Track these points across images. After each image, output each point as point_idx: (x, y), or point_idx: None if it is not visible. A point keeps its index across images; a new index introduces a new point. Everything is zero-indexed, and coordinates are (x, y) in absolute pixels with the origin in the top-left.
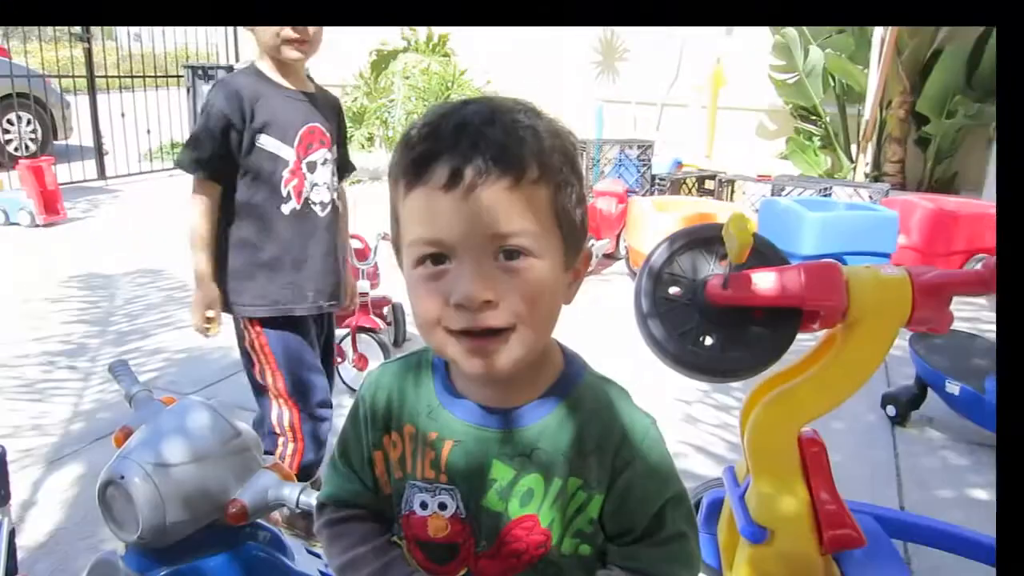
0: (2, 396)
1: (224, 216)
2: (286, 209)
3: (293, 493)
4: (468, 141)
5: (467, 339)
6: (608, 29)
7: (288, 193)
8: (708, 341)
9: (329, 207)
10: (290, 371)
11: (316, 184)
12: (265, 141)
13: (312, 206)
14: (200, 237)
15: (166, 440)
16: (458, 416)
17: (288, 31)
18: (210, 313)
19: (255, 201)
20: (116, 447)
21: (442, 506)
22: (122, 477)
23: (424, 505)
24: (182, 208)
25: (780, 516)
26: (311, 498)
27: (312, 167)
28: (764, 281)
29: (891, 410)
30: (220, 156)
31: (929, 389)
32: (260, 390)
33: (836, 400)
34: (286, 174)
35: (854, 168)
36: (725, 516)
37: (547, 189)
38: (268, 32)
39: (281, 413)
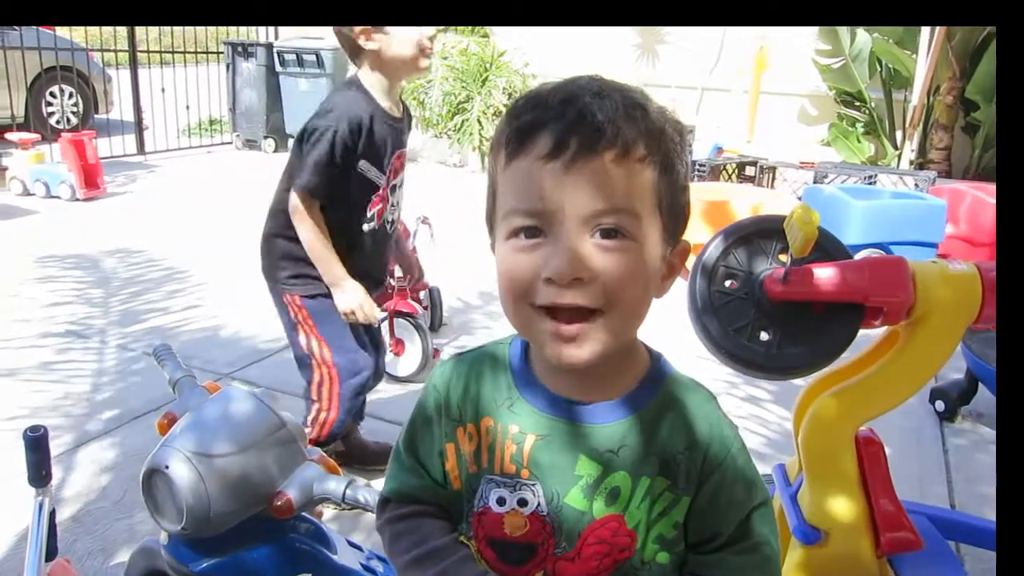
0: (22, 377)
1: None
2: (366, 228)
3: (339, 487)
4: (575, 111)
5: (552, 321)
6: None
7: (372, 215)
8: (764, 337)
9: (397, 223)
10: (336, 343)
11: (393, 205)
12: (364, 167)
13: (387, 225)
14: (324, 250)
15: (211, 429)
16: (542, 410)
17: (425, 40)
18: (368, 308)
19: (339, 218)
20: (160, 434)
21: (522, 502)
22: (167, 467)
23: (502, 501)
24: (219, 183)
25: (835, 517)
26: (357, 493)
27: (394, 190)
28: (827, 276)
29: (940, 405)
30: (332, 180)
31: (979, 384)
32: (303, 358)
33: (897, 399)
34: (374, 198)
35: (899, 155)
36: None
37: (653, 170)
38: (408, 44)
39: (322, 380)
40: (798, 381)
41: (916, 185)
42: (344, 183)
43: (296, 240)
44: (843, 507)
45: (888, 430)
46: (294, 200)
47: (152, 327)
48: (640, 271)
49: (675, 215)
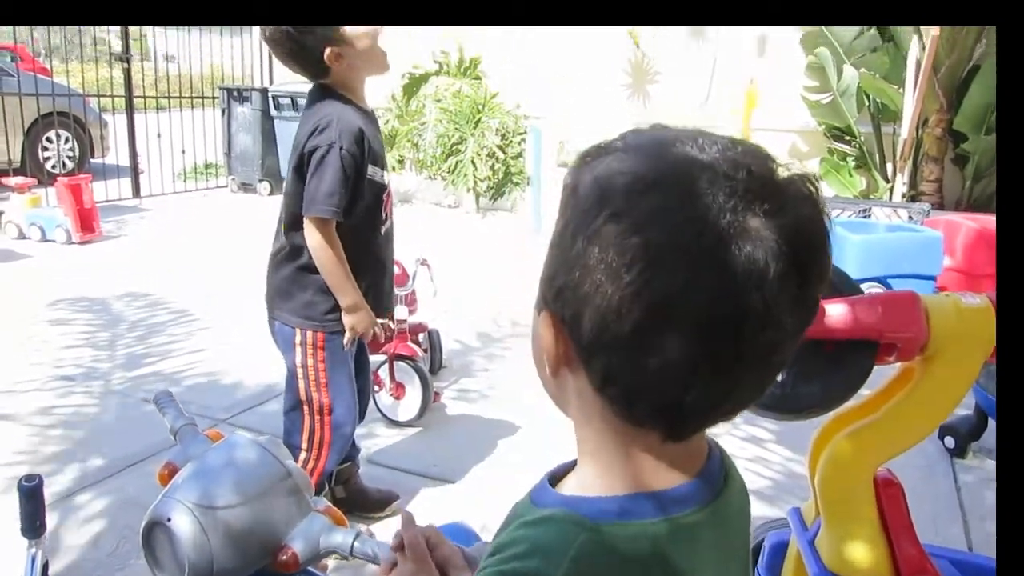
0: (20, 422)
1: None
2: (382, 229)
3: (347, 540)
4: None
5: None
6: (639, 52)
7: (385, 215)
8: (777, 377)
9: None
10: (337, 390)
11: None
12: (373, 171)
13: (392, 220)
14: (344, 275)
15: (214, 480)
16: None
17: (378, 31)
18: (378, 328)
19: (358, 225)
20: (160, 484)
21: None
22: (168, 519)
23: None
24: (215, 226)
25: (857, 563)
26: (365, 546)
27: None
28: (838, 312)
29: (950, 441)
30: (346, 195)
31: (989, 418)
32: (297, 407)
33: (915, 438)
34: (384, 198)
35: (891, 188)
36: (791, 561)
37: None
38: (367, 40)
39: (313, 428)
40: (802, 421)
41: (910, 217)
42: (357, 194)
43: (315, 275)
44: (864, 552)
45: (898, 468)
46: (310, 227)
47: (153, 371)
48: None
49: None
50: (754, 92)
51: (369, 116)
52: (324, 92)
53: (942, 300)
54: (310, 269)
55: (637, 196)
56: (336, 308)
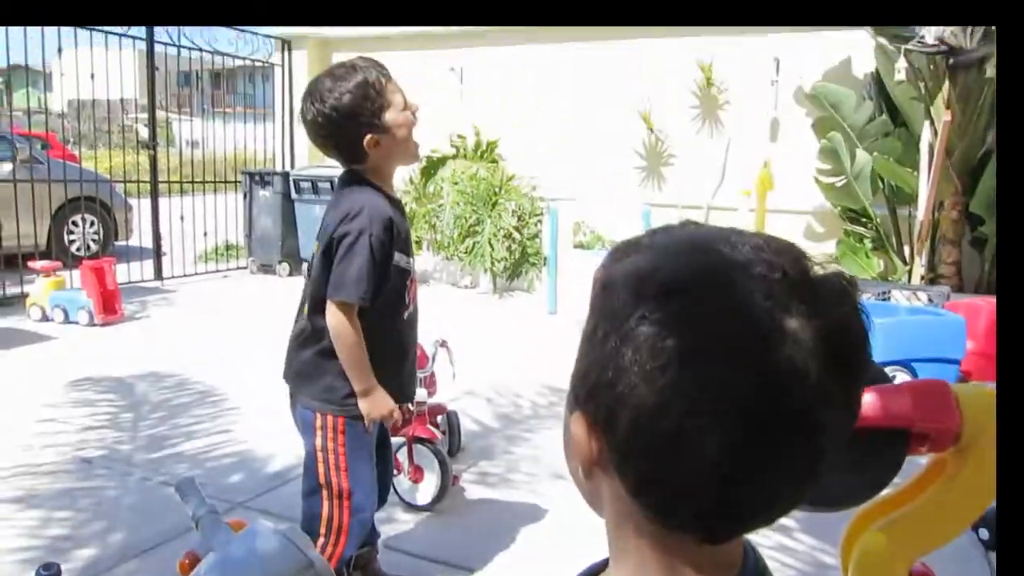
0: (39, 506)
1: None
2: (405, 315)
3: None
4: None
5: None
6: (653, 134)
7: (408, 300)
8: (820, 481)
9: None
10: (357, 475)
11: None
12: (399, 258)
13: (416, 306)
14: (363, 359)
15: (237, 571)
16: None
17: (412, 116)
18: (396, 412)
19: (382, 311)
20: (181, 574)
21: None
22: None
23: None
24: (235, 307)
25: None
26: None
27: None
28: (867, 401)
29: (983, 533)
30: (375, 282)
31: None
32: (316, 491)
33: (951, 533)
34: (409, 283)
35: (909, 270)
36: None
37: None
38: (402, 131)
39: (332, 514)
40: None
41: (930, 300)
42: (383, 280)
43: (337, 358)
44: None
45: (931, 561)
46: (333, 309)
47: (174, 453)
48: None
49: None
50: (768, 174)
51: (397, 204)
52: (355, 178)
53: (974, 389)
54: (332, 353)
55: (671, 297)
56: (348, 395)
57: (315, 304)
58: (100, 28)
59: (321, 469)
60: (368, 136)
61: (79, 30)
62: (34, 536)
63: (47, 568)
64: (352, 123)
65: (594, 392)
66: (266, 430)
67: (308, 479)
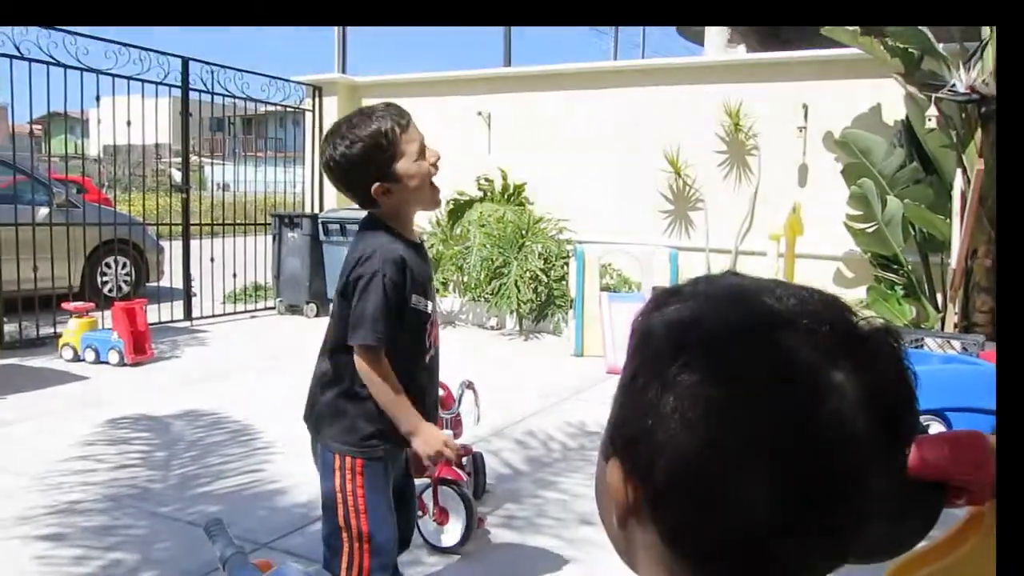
0: (73, 544)
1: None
2: (426, 358)
3: None
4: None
5: None
6: (680, 178)
7: (429, 343)
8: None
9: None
10: (376, 517)
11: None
12: (416, 300)
13: (437, 348)
14: (399, 399)
15: None
16: None
17: (431, 168)
18: (450, 442)
19: (400, 354)
20: None
21: None
22: None
23: None
24: (264, 347)
25: None
26: None
27: (435, 312)
28: None
29: None
30: (391, 324)
31: None
32: (336, 533)
33: None
34: (428, 326)
35: (942, 318)
36: None
37: None
38: (419, 180)
39: (352, 556)
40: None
41: (964, 348)
42: (400, 323)
43: (357, 400)
44: None
45: None
46: (358, 357)
47: (201, 492)
48: None
49: None
50: (797, 219)
51: (416, 247)
52: (372, 222)
53: None
54: (350, 394)
55: (715, 347)
56: (376, 435)
57: (335, 345)
58: (137, 77)
59: (340, 511)
60: (376, 185)
61: (116, 79)
62: (69, 574)
63: None
64: (362, 172)
65: (632, 440)
66: (295, 471)
67: (327, 521)
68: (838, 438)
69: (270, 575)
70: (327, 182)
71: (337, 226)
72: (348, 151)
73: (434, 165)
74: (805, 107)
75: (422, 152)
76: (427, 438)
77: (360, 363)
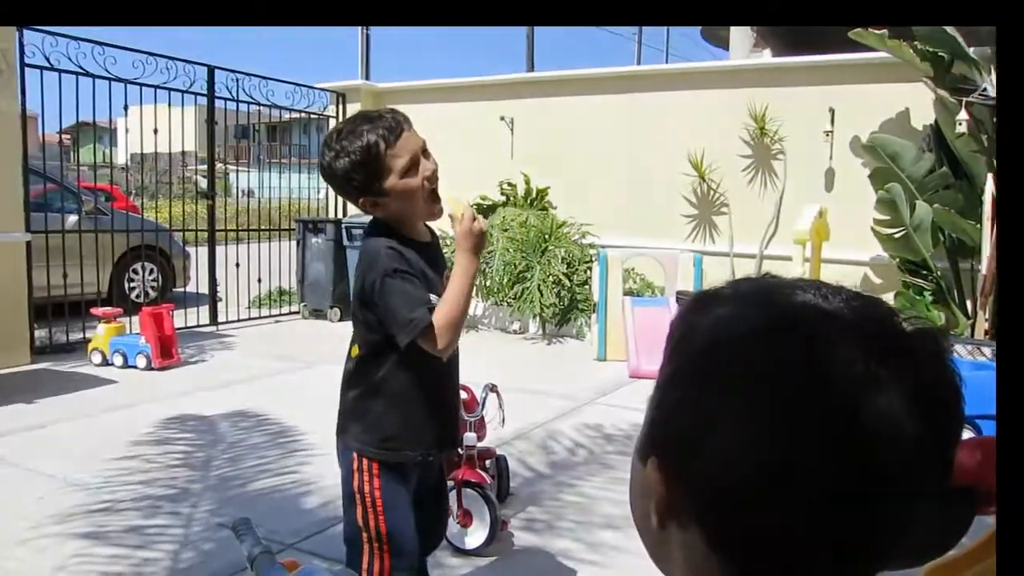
0: (109, 542)
1: (376, 363)
2: (444, 356)
3: None
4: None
5: None
6: (704, 182)
7: None
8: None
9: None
10: (395, 519)
11: None
12: (432, 298)
13: (457, 349)
14: (456, 289)
15: None
16: None
17: (426, 183)
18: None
19: (419, 352)
20: None
21: None
22: None
23: None
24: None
25: None
26: None
27: None
28: None
29: None
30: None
31: None
32: (356, 533)
33: None
34: None
35: (972, 324)
36: None
37: None
38: (410, 196)
39: (372, 558)
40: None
41: (995, 355)
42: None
43: (378, 401)
44: None
45: None
46: (425, 344)
47: (232, 495)
48: None
49: None
50: (824, 224)
51: (424, 246)
52: (375, 227)
53: None
54: (370, 396)
55: (761, 345)
56: (396, 437)
57: (358, 348)
58: (163, 86)
59: (359, 511)
60: (362, 199)
61: (144, 88)
62: (102, 573)
63: None
64: (347, 186)
65: (672, 440)
66: (326, 472)
67: (348, 521)
68: (886, 439)
69: (297, 574)
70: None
71: (360, 231)
72: (334, 163)
73: (428, 179)
74: (832, 111)
75: (414, 165)
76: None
77: (432, 348)
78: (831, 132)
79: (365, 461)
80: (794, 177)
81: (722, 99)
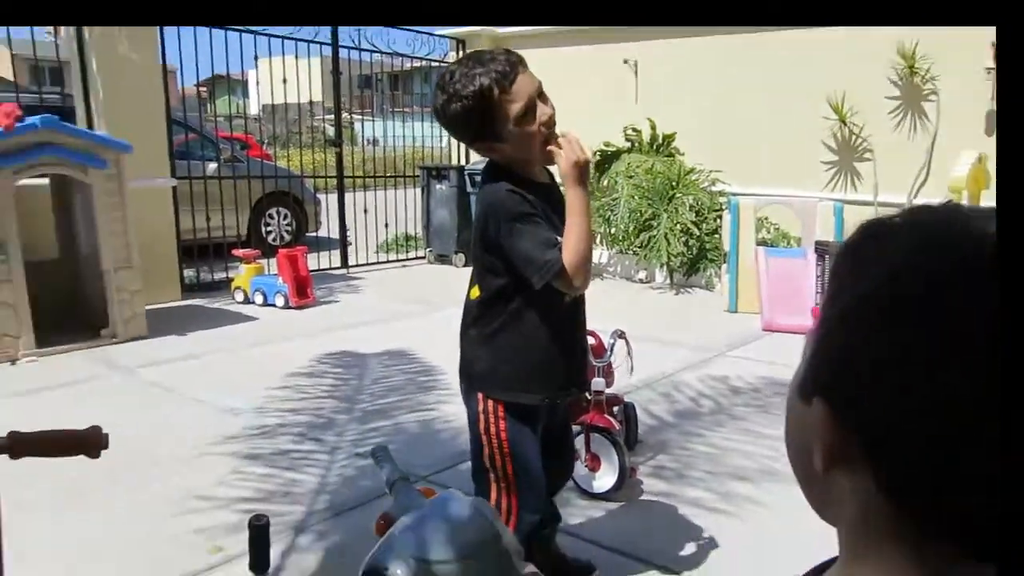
0: (262, 463)
1: (500, 306)
2: (566, 297)
3: None
4: None
5: None
6: (846, 126)
7: None
8: None
9: None
10: (521, 458)
11: None
12: (558, 238)
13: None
14: (577, 229)
15: (430, 534)
16: None
17: (543, 129)
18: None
19: (541, 296)
20: (376, 533)
21: None
22: (386, 568)
23: None
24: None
25: None
26: None
27: None
28: None
29: None
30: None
31: None
32: (483, 473)
33: None
34: None
35: None
36: None
37: None
38: (528, 141)
39: (500, 498)
40: None
41: None
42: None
43: (500, 344)
44: None
45: None
46: (560, 285)
47: (363, 429)
48: None
49: None
50: (983, 171)
51: (543, 187)
52: (494, 169)
53: None
54: (495, 338)
55: (944, 280)
56: (517, 378)
57: (478, 291)
58: (291, 36)
59: (485, 451)
60: (476, 144)
61: (272, 39)
62: (256, 490)
63: (258, 519)
64: (460, 131)
65: (842, 377)
66: (461, 411)
67: (474, 460)
68: None
69: (436, 500)
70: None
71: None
72: (447, 107)
73: (545, 124)
74: (994, 45)
75: (531, 110)
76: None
77: (566, 285)
78: (992, 70)
79: (491, 403)
80: (948, 120)
81: (866, 37)
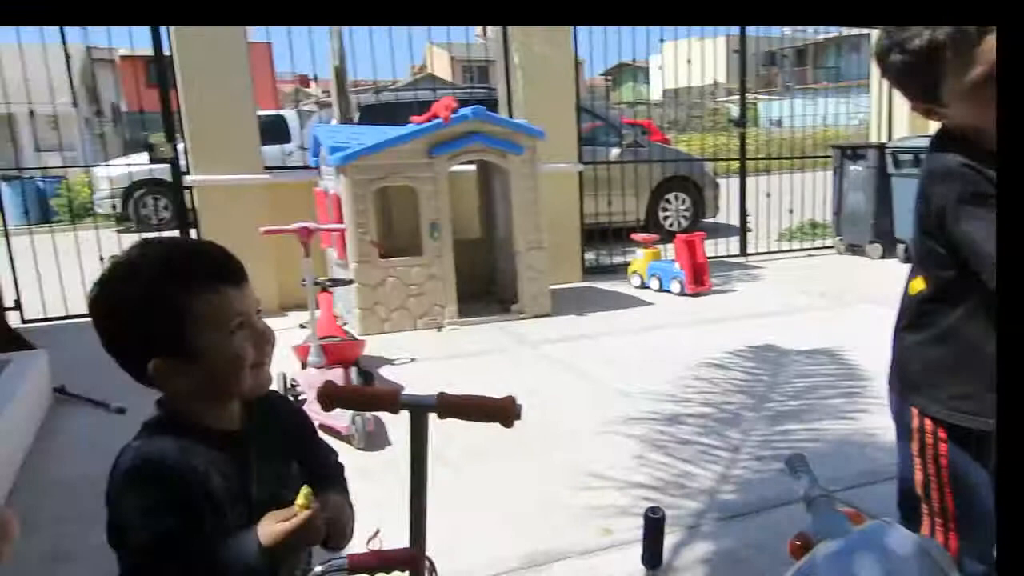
0: (660, 450)
1: (947, 304)
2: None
3: None
4: None
5: None
6: None
7: None
8: None
9: None
10: (965, 496)
11: None
12: None
13: None
14: None
15: (861, 571)
16: None
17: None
18: None
19: (978, 306)
20: (791, 555)
21: None
22: None
23: None
24: (821, 287)
25: None
26: None
27: None
28: None
29: None
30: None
31: None
32: (913, 502)
33: None
34: None
35: None
36: None
37: None
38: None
39: (935, 537)
40: None
41: None
42: None
43: (946, 352)
44: None
45: None
46: None
47: (772, 430)
48: None
49: None
50: None
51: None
52: (945, 138)
53: None
54: (938, 344)
55: None
56: (967, 397)
57: (922, 280)
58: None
59: (919, 478)
60: (913, 103)
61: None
62: (651, 476)
63: (654, 512)
64: (900, 86)
65: None
66: (888, 424)
67: (902, 485)
68: None
69: (868, 529)
70: (897, 108)
71: (910, 156)
72: (887, 56)
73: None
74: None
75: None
76: None
77: None
78: None
79: (928, 422)
80: None
81: None
